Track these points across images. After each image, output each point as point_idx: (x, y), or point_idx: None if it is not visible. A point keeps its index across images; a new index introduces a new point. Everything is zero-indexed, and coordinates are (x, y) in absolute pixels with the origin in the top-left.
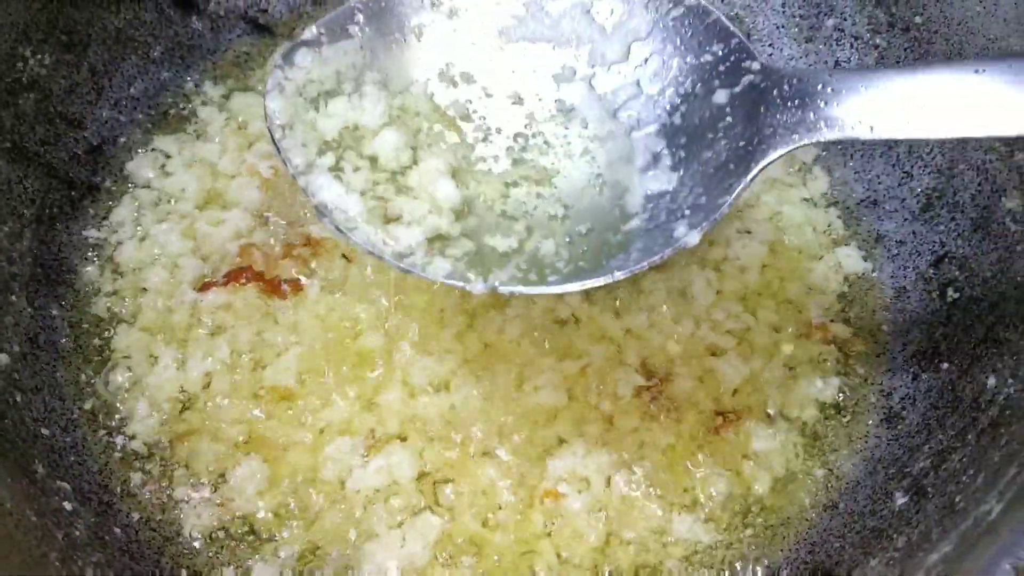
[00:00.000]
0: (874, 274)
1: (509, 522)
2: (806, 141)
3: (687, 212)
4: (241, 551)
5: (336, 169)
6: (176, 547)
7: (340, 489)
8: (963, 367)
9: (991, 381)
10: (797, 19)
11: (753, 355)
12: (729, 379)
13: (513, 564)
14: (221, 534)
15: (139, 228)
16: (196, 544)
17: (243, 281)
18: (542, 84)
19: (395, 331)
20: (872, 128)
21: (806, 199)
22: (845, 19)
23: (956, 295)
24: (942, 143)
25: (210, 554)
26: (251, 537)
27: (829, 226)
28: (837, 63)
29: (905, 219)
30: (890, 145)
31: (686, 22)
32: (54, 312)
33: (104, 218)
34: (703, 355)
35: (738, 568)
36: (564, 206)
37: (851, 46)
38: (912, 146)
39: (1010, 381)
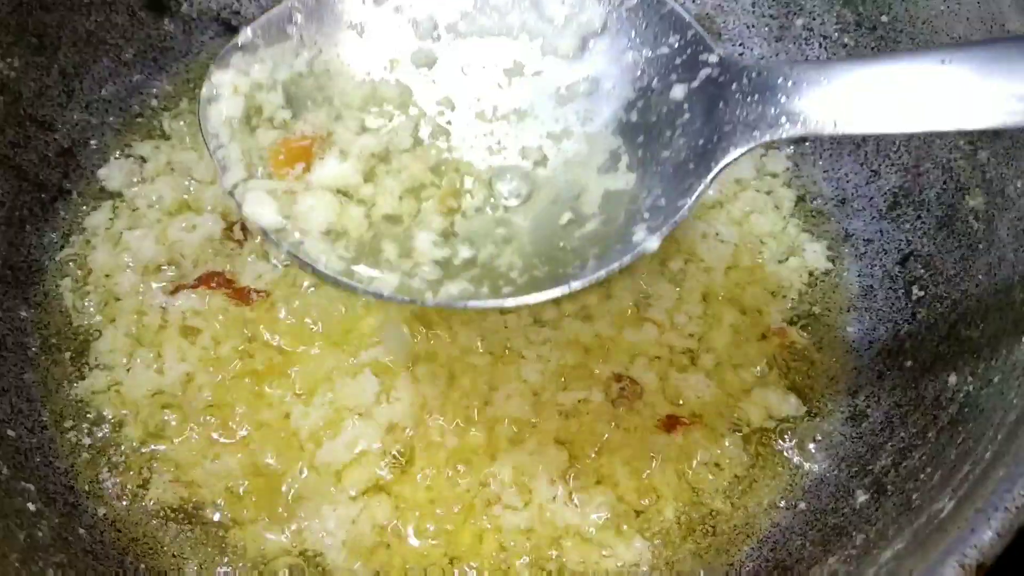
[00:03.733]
0: (842, 273)
1: (452, 529)
2: (768, 138)
3: (646, 215)
4: (210, 550)
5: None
6: (141, 547)
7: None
8: (926, 365)
9: (952, 379)
10: (767, 19)
11: (715, 357)
12: (690, 382)
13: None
14: (189, 532)
15: (111, 232)
16: (162, 543)
17: (213, 285)
18: (492, 81)
19: (357, 339)
20: (836, 123)
21: (774, 200)
22: (814, 19)
23: (921, 293)
24: (908, 141)
25: (175, 554)
26: (221, 532)
27: (797, 224)
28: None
29: (873, 217)
30: (858, 144)
31: (640, 13)
32: (23, 314)
33: (75, 221)
34: (665, 358)
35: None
36: (517, 211)
37: (820, 45)
38: (880, 145)
39: (970, 379)
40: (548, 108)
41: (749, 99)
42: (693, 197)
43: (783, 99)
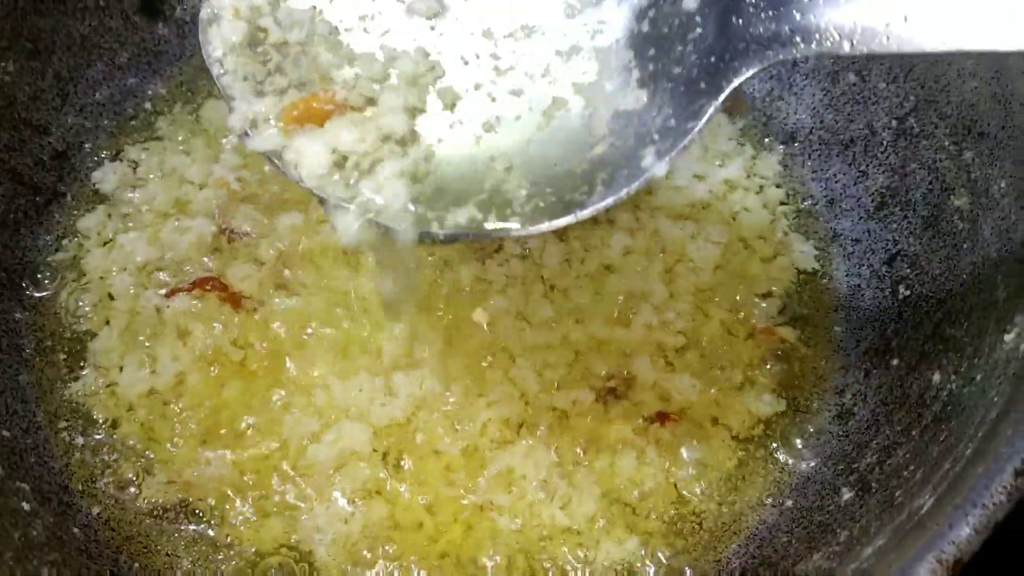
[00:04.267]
0: (830, 272)
1: (443, 528)
2: (781, 57)
3: (655, 137)
4: (203, 549)
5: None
6: (135, 546)
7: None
8: (912, 364)
9: (936, 377)
10: None
11: (703, 356)
12: (679, 381)
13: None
14: (182, 531)
15: (104, 234)
16: (156, 542)
17: (208, 288)
18: None
19: (351, 341)
20: (853, 42)
21: (763, 200)
22: None
23: (907, 292)
24: (895, 141)
25: (168, 552)
26: (214, 531)
27: (785, 224)
28: None
29: (860, 217)
30: (846, 144)
31: None
32: (17, 316)
33: (70, 224)
34: (654, 357)
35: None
36: (524, 135)
37: None
38: (867, 145)
39: (953, 377)
40: (556, 22)
41: (763, 14)
42: (704, 119)
43: (798, 15)
